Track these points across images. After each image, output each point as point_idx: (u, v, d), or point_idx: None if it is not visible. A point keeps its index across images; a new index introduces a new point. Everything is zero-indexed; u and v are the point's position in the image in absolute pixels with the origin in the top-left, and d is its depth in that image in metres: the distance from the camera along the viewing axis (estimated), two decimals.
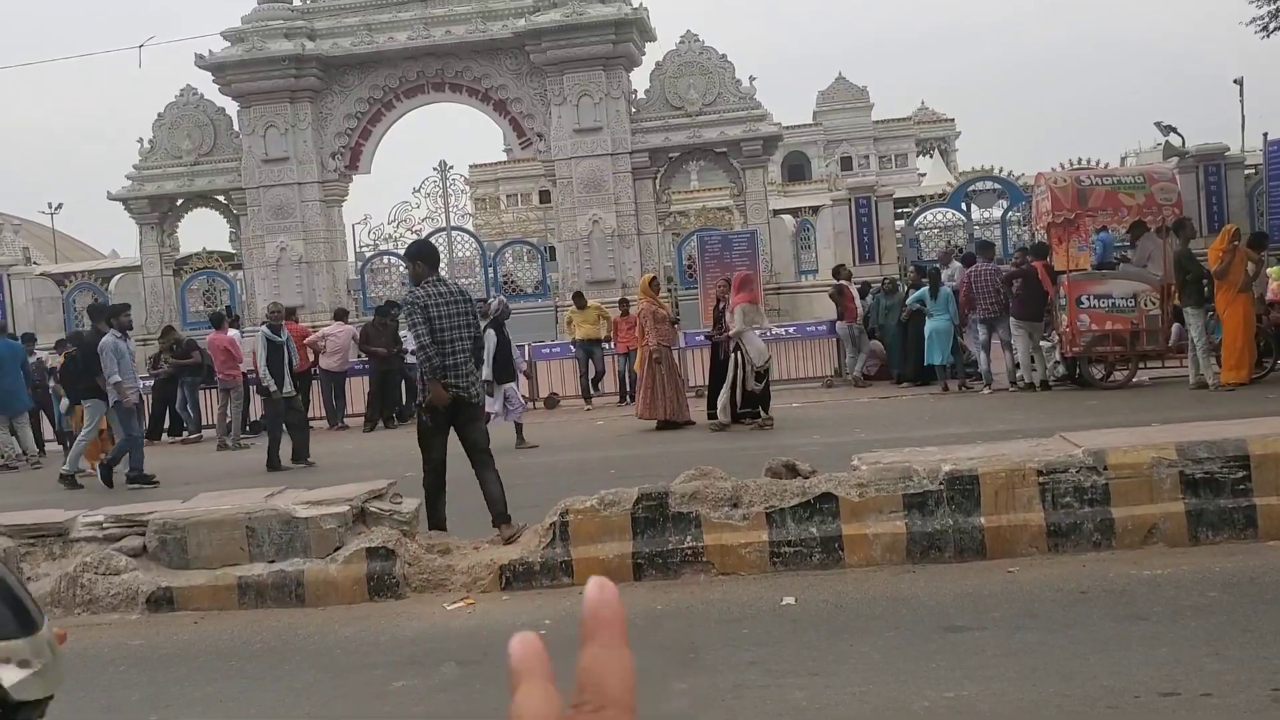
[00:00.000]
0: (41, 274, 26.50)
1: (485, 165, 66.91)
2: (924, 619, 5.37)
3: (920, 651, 4.95)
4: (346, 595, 6.21)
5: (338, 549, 6.30)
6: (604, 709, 0.52)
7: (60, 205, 52.04)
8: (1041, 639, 4.96)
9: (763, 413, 12.64)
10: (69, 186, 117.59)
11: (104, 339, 11.75)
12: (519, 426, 12.88)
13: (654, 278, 14.82)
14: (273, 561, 6.28)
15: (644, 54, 25.20)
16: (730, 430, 12.55)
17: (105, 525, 6.43)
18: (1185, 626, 4.93)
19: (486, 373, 11.87)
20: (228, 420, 15.34)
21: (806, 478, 6.44)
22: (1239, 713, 3.99)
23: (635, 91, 24.59)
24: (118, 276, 26.08)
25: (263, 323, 13.81)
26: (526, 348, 17.75)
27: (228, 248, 26.15)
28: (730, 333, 12.75)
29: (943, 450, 6.65)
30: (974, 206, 23.43)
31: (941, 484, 6.17)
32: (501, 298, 15.34)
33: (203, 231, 28.68)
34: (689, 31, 24.56)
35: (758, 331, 13.14)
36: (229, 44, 24.75)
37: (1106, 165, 18.60)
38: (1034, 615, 5.27)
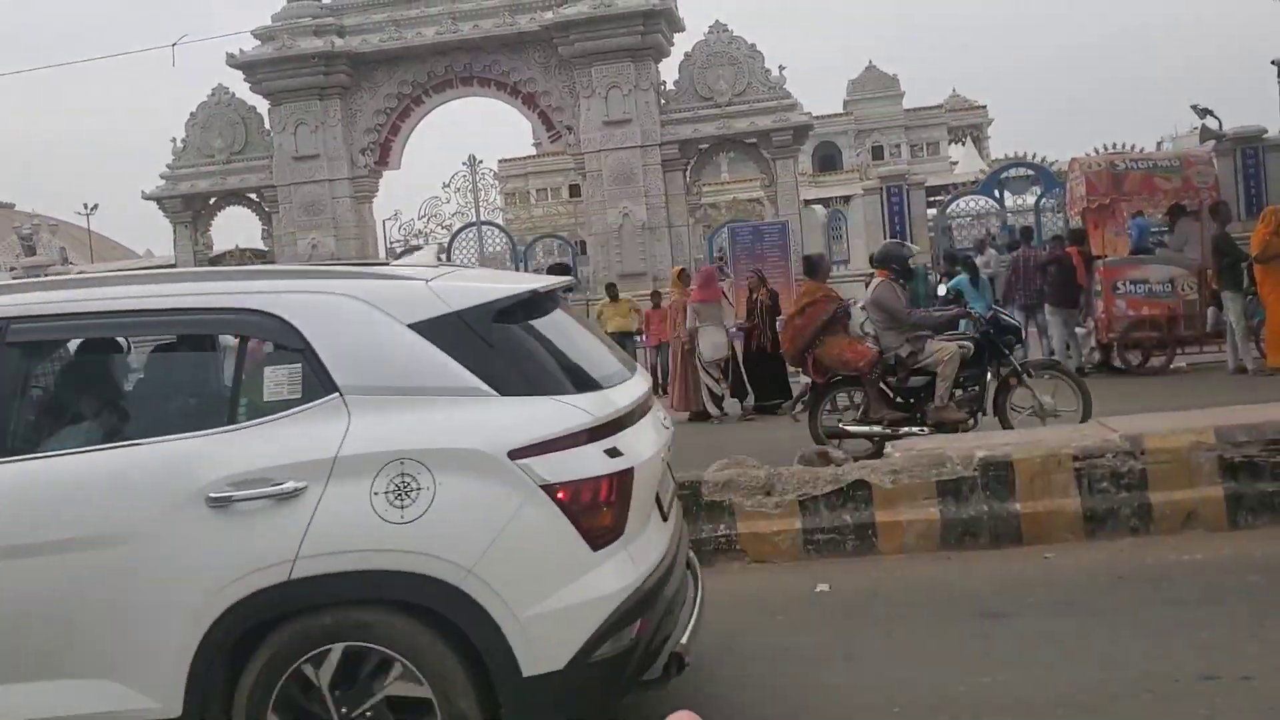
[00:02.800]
0: (79, 274, 26.82)
1: (515, 160, 67.09)
2: (959, 605, 5.34)
3: (956, 637, 4.93)
4: None
5: None
6: None
7: (96, 206, 52.75)
8: (1079, 624, 4.92)
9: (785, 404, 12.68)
10: (105, 188, 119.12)
11: None
12: None
13: (684, 269, 14.84)
14: None
15: (673, 45, 25.14)
16: (757, 421, 12.60)
17: None
18: (1225, 610, 4.87)
19: None
20: None
21: (839, 465, 6.43)
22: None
23: (664, 83, 24.54)
24: None
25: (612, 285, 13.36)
26: None
27: (260, 245, 26.38)
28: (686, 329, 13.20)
29: (977, 437, 6.63)
30: (1007, 194, 23.25)
31: (975, 470, 6.14)
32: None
33: (236, 229, 28.90)
34: (718, 22, 24.47)
35: (731, 326, 13.38)
36: (259, 43, 24.92)
37: (1142, 150, 18.38)
38: (1071, 601, 5.23)
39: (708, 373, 13.51)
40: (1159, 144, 33.51)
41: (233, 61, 24.78)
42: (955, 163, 61.84)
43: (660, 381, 16.02)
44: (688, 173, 24.48)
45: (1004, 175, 23.23)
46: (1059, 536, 6.04)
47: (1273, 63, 36.33)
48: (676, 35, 25.16)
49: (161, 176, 25.57)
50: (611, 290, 17.74)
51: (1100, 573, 5.54)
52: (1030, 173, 22.74)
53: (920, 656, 4.73)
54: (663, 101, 24.21)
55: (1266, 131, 21.11)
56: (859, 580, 5.83)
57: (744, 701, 4.42)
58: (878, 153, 74.23)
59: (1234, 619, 4.76)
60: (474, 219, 24.92)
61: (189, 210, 25.51)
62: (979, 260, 17.10)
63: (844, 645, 4.95)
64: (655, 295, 17.31)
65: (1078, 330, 13.99)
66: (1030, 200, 22.66)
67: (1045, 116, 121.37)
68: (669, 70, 24.71)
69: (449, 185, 24.94)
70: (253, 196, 25.85)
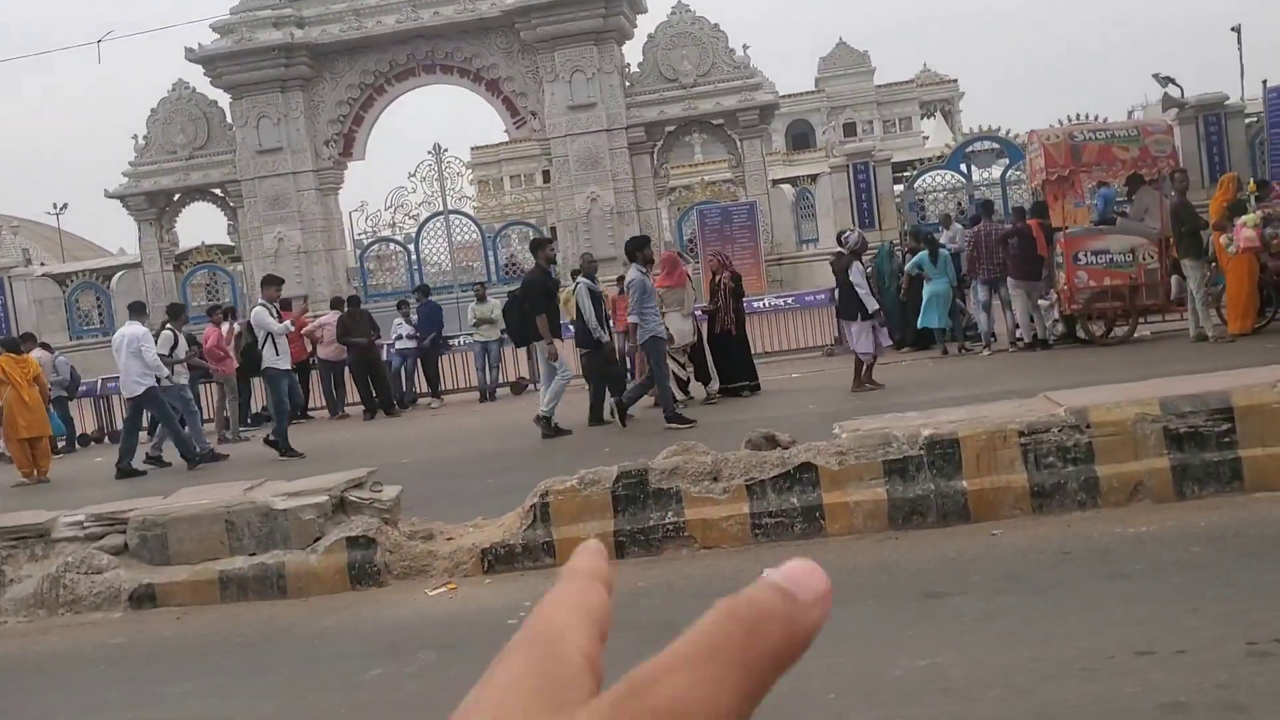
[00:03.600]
0: (43, 275, 26.56)
1: (487, 147, 66.76)
2: (904, 586, 5.31)
3: (898, 619, 4.90)
4: (328, 585, 6.18)
5: (318, 539, 6.27)
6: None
7: (65, 205, 52.19)
8: (1021, 602, 4.89)
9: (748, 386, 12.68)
10: (75, 186, 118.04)
11: (630, 272, 11.31)
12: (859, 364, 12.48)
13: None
14: (253, 554, 6.25)
15: (635, 27, 25.05)
16: (721, 403, 12.56)
17: (86, 524, 6.42)
18: (1166, 583, 4.85)
19: (873, 304, 12.08)
20: (225, 414, 15.35)
21: (786, 448, 6.38)
22: (1211, 669, 3.92)
23: (628, 65, 24.45)
24: (119, 274, 26.15)
25: (577, 272, 13.00)
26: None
27: (226, 240, 26.17)
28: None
29: (923, 415, 6.58)
30: (974, 167, 23.25)
31: (922, 449, 6.10)
32: (859, 231, 14.57)
33: (201, 225, 28.80)
34: (680, 2, 24.40)
35: (696, 309, 13.35)
36: (218, 36, 24.67)
37: (1105, 120, 18.36)
38: (1015, 578, 5.21)
39: (673, 358, 13.46)
40: (1129, 113, 33.50)
41: (192, 56, 24.54)
42: (927, 137, 61.89)
43: (628, 367, 15.97)
44: (655, 155, 24.40)
45: (970, 149, 23.22)
46: (1007, 513, 6.01)
47: (1232, 29, 36.48)
48: (639, 17, 25.08)
49: (124, 174, 25.34)
50: (576, 277, 17.61)
51: (1046, 549, 5.52)
52: (996, 146, 22.73)
53: (861, 640, 4.69)
54: (627, 84, 24.13)
55: (1228, 98, 21.16)
56: None
57: None
58: (850, 129, 74.16)
59: (1174, 592, 4.74)
60: (441, 208, 24.75)
61: (153, 207, 25.28)
62: (944, 235, 17.08)
63: None
64: (621, 280, 17.20)
65: (1040, 302, 13.99)
66: (996, 174, 22.66)
67: (1016, 89, 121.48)
68: (633, 52, 24.65)
69: (415, 175, 24.78)
70: (217, 192, 25.64)
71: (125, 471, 12.28)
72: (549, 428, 11.50)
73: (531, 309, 11.64)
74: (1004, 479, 6.05)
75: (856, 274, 12.52)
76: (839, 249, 13.01)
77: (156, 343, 12.97)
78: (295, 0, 24.88)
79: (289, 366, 12.75)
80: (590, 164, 23.75)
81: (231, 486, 6.91)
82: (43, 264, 32.23)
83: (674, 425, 10.94)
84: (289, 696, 4.88)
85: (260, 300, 12.85)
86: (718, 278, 14.10)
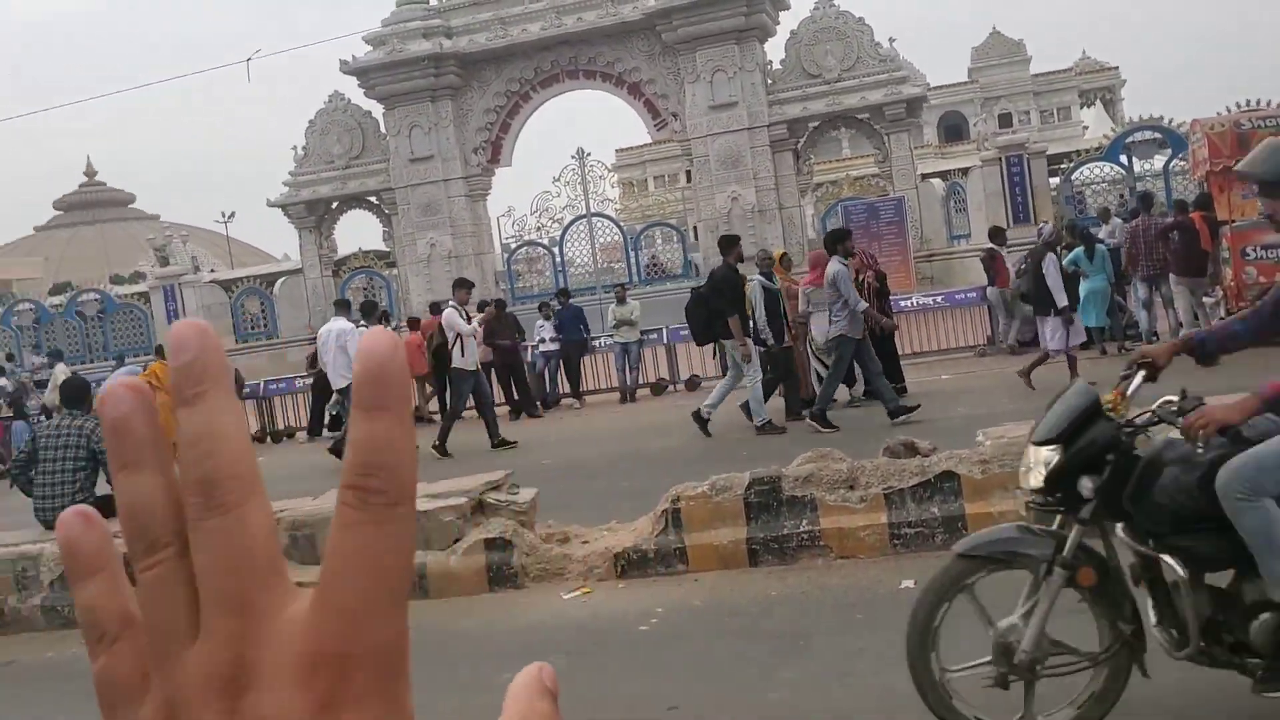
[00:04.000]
0: (210, 281, 27.93)
1: (632, 149, 67.26)
2: None
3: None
4: (467, 586, 6.30)
5: (457, 541, 6.39)
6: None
7: (233, 214, 54.87)
8: None
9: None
10: (243, 194, 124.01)
11: (832, 265, 11.09)
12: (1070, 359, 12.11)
13: (785, 254, 14.58)
14: None
15: (778, 24, 24.85)
16: (864, 405, 12.32)
17: None
18: None
19: (1062, 299, 11.76)
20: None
21: (926, 456, 6.21)
22: None
23: (770, 63, 24.26)
24: (281, 279, 27.30)
25: (757, 266, 12.80)
26: (665, 329, 17.74)
27: (382, 246, 27.04)
28: (799, 313, 12.87)
29: None
30: (1135, 159, 22.25)
31: None
32: (1050, 224, 14.31)
33: (358, 232, 29.86)
34: None
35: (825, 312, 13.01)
36: (371, 48, 25.50)
37: (1276, 105, 17.31)
38: None
39: (818, 359, 13.25)
40: None
41: (346, 68, 25.43)
42: (1086, 128, 59.57)
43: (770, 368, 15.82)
44: (798, 152, 24.15)
45: (1130, 139, 22.23)
46: None
47: None
48: (781, 14, 24.85)
49: (285, 184, 26.43)
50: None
51: None
52: (1158, 136, 21.69)
53: None
54: (769, 82, 23.94)
55: None
56: None
57: (808, 707, 4.29)
58: (1005, 120, 71.90)
59: None
60: (584, 211, 25.04)
61: (312, 215, 26.30)
62: (1103, 230, 16.40)
63: None
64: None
65: (1205, 300, 13.29)
66: (1159, 165, 21.63)
67: (1182, 75, 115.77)
68: (775, 50, 24.45)
69: (559, 179, 25.12)
70: (372, 199, 26.51)
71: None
72: (771, 427, 11.35)
73: (723, 307, 11.43)
74: None
75: (1050, 266, 12.06)
76: (1029, 240, 12.63)
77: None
78: (444, 11, 25.54)
79: (474, 367, 13.05)
80: (731, 163, 23.67)
81: None
82: (212, 270, 33.91)
83: (818, 427, 10.75)
84: (424, 697, 4.97)
85: (451, 302, 13.28)
86: (861, 277, 13.83)
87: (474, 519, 6.52)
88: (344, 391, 13.26)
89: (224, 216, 54.29)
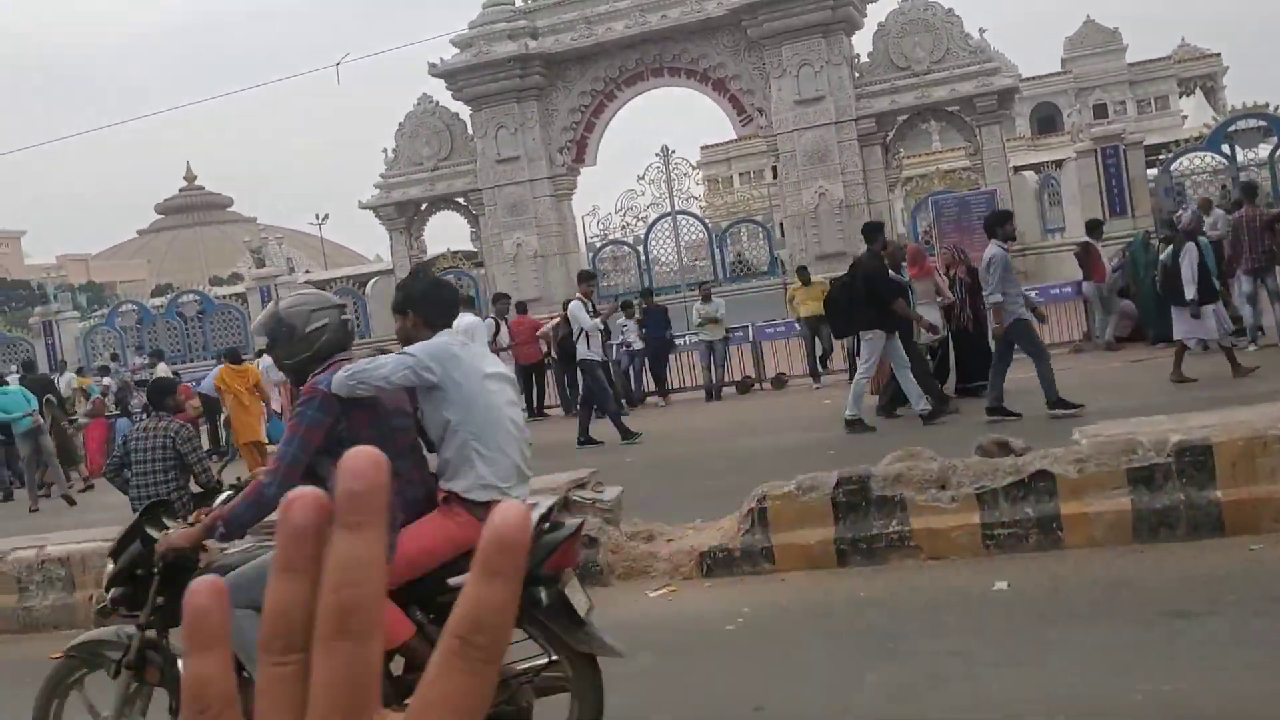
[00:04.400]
0: (305, 282, 28.54)
1: (716, 145, 67.13)
2: (1147, 603, 4.95)
3: (1140, 639, 4.57)
4: None
5: None
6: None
7: (327, 216, 56.09)
8: None
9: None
10: (336, 196, 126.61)
11: (990, 249, 10.65)
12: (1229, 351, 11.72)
13: None
14: None
15: (865, 16, 24.55)
16: (959, 404, 12.09)
17: None
18: None
19: (1191, 292, 11.40)
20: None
21: (1020, 455, 6.07)
22: None
23: (858, 56, 23.97)
24: (373, 280, 27.77)
25: (802, 269, 13.63)
26: (751, 327, 17.64)
27: (470, 246, 27.36)
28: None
29: (1172, 419, 6.12)
30: (1238, 148, 21.50)
31: (1170, 456, 5.67)
32: (1193, 209, 13.88)
33: (446, 232, 30.26)
34: None
35: (931, 305, 12.72)
36: (458, 51, 25.80)
37: None
38: (1275, 599, 4.77)
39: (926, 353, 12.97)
40: None
41: (434, 71, 25.76)
42: (1185, 117, 57.79)
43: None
44: (887, 146, 23.84)
45: (1233, 128, 21.48)
46: (1268, 527, 5.51)
47: None
48: (869, 6, 24.54)
49: (376, 186, 26.87)
50: (803, 273, 17.43)
51: None
52: (1263, 123, 20.93)
53: (1097, 660, 4.41)
54: (856, 75, 23.66)
55: None
56: (1040, 577, 5.49)
57: (892, 713, 4.22)
58: (1100, 111, 70.19)
59: None
60: (669, 209, 25.02)
61: (402, 217, 26.70)
62: (1206, 222, 15.86)
63: (1015, 649, 4.67)
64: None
65: (1206, 308, 12.75)
66: (1264, 154, 20.87)
67: None
68: (862, 42, 24.15)
69: (643, 177, 25.14)
70: (460, 200, 26.82)
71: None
72: (861, 426, 11.16)
73: (881, 296, 11.02)
74: (1264, 489, 5.55)
75: (1188, 256, 11.57)
76: (1127, 234, 12.24)
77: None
78: (529, 12, 25.72)
79: (601, 357, 13.09)
80: (818, 158, 23.44)
81: None
82: (307, 271, 34.68)
83: (1060, 412, 10.22)
84: None
85: (577, 294, 13.48)
86: (953, 272, 13.59)
87: (561, 516, 6.55)
88: None
89: (318, 219, 55.48)
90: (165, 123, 67.98)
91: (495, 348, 13.60)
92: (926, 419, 10.95)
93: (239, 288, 29.86)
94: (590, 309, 13.09)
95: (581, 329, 12.88)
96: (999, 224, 10.97)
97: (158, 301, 31.11)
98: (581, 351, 12.95)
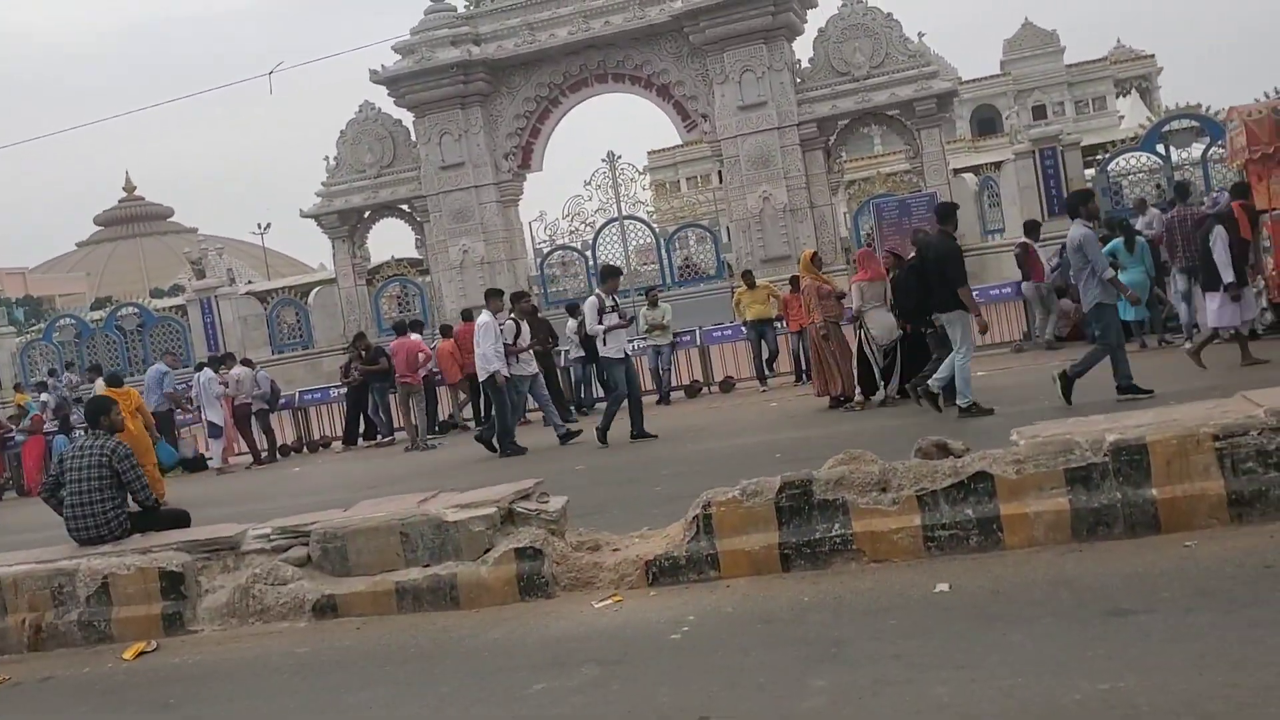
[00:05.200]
0: (246, 293, 28.18)
1: (664, 150, 67.30)
2: (1086, 603, 5.00)
3: (1079, 639, 4.61)
4: (498, 596, 6.29)
5: (488, 551, 6.38)
6: None
7: (269, 225, 55.49)
8: (1215, 621, 4.54)
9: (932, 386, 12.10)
10: (278, 205, 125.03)
11: (1076, 229, 10.31)
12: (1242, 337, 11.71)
13: (815, 253, 14.49)
14: (427, 565, 6.42)
15: (805, 22, 24.75)
16: (899, 405, 12.22)
17: (273, 537, 6.73)
18: None
19: (1229, 275, 11.26)
20: (414, 423, 15.90)
21: (959, 456, 6.12)
22: None
23: (799, 61, 24.16)
24: (315, 289, 27.50)
25: (748, 273, 13.85)
26: (699, 331, 17.69)
27: (414, 254, 27.18)
28: (852, 310, 12.75)
29: (1108, 419, 6.20)
30: (1172, 148, 21.93)
31: (1106, 455, 5.75)
32: (1225, 191, 13.57)
33: (390, 240, 30.11)
34: None
35: (881, 307, 12.84)
36: (400, 57, 25.63)
37: None
38: (1209, 594, 4.83)
39: (874, 355, 13.08)
40: None
41: (376, 77, 25.57)
42: (1122, 117, 58.89)
43: (804, 368, 15.73)
44: (829, 150, 24.03)
45: (1167, 128, 21.91)
46: (1201, 523, 5.60)
47: None
48: (809, 12, 24.74)
49: (317, 194, 26.61)
50: (748, 277, 17.51)
51: (1245, 563, 5.11)
52: (1196, 124, 21.38)
53: (1037, 661, 4.44)
54: (798, 80, 23.85)
55: None
56: (981, 578, 5.53)
57: (842, 716, 4.23)
58: (1039, 112, 71.35)
59: None
60: (616, 214, 25.03)
61: (345, 225, 26.47)
62: (1140, 222, 16.19)
63: (956, 650, 4.70)
64: (795, 280, 17.01)
65: (1246, 290, 13.04)
66: (1197, 153, 21.32)
67: (1221, 62, 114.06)
68: (803, 48, 24.34)
69: (590, 183, 25.15)
70: (404, 208, 26.66)
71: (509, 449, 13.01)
72: (977, 409, 10.78)
73: (952, 277, 10.77)
74: (1198, 486, 5.64)
75: (1219, 240, 11.53)
76: (1063, 235, 12.21)
77: (501, 332, 13.38)
78: (472, 18, 25.62)
79: (621, 355, 12.87)
80: (762, 163, 23.58)
81: (407, 498, 7.12)
82: (249, 282, 34.27)
83: (1129, 396, 10.08)
84: (457, 708, 4.98)
85: (597, 290, 13.42)
86: (893, 274, 13.73)
87: (504, 528, 6.51)
88: (486, 383, 13.37)
89: (260, 228, 54.83)
90: (104, 132, 66.83)
91: (516, 349, 13.42)
92: (964, 412, 10.74)
93: (180, 299, 29.40)
94: (613, 305, 12.91)
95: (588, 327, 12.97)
96: (1081, 203, 10.69)
97: (96, 315, 30.56)
98: (601, 350, 13.00)
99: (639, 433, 12.68)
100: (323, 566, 6.58)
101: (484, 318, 13.34)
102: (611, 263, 25.76)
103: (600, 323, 12.67)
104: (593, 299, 13.08)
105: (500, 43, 25.16)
